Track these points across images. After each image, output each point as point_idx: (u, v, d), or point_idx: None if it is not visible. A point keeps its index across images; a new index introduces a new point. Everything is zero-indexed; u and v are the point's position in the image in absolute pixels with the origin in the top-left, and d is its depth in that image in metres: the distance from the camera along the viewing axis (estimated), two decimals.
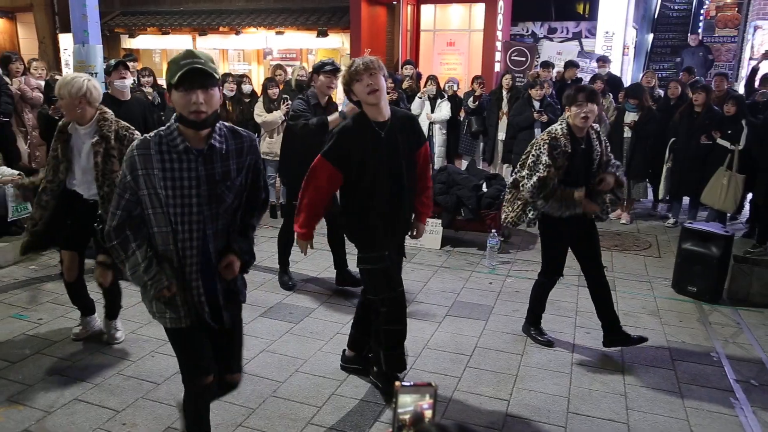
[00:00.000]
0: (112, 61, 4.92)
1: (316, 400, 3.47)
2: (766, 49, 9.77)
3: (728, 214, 6.97)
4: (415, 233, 3.69)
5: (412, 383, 1.26)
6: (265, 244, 6.21)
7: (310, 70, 5.47)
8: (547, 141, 3.80)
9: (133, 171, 2.29)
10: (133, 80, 7.76)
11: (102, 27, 6.52)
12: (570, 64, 9.05)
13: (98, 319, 4.21)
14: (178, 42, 14.14)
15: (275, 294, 4.96)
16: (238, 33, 13.20)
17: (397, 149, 3.26)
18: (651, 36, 15.11)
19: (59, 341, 4.09)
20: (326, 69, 4.67)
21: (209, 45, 14.19)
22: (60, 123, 3.73)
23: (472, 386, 3.65)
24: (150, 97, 7.21)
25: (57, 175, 3.69)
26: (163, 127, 2.34)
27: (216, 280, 2.49)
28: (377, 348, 3.50)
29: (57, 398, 3.41)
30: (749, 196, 6.99)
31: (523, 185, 3.91)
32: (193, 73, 2.21)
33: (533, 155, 3.87)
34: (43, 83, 6.79)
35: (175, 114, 2.32)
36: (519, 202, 4.01)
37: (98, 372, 3.70)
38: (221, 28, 13.34)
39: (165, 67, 2.35)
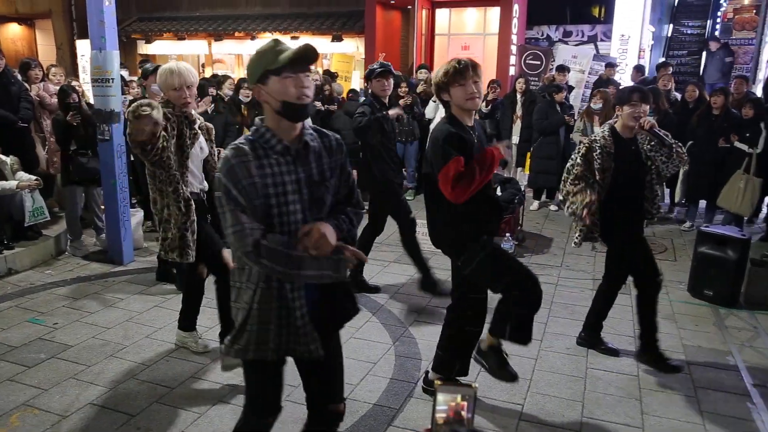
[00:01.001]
0: (149, 66, 5.02)
1: None
2: None
3: (745, 218, 6.89)
4: None
5: (450, 383, 1.27)
6: None
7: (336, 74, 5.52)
8: (586, 144, 3.80)
9: (237, 183, 2.01)
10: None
11: (119, 33, 6.59)
12: (560, 68, 8.98)
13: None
14: (194, 47, 14.31)
15: None
16: (253, 38, 13.31)
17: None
18: (670, 26, 14.96)
19: (74, 345, 4.13)
20: (377, 72, 4.80)
21: (224, 50, 14.33)
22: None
23: (486, 391, 3.63)
24: None
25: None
26: (248, 133, 2.15)
27: (318, 298, 2.21)
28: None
29: (72, 402, 3.45)
30: (766, 199, 6.90)
31: (564, 192, 3.90)
32: (307, 52, 2.04)
33: (571, 160, 3.88)
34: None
35: (258, 118, 2.16)
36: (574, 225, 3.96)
37: (113, 376, 3.73)
38: (237, 34, 13.46)
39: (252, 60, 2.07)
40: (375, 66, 4.88)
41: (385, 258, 6.07)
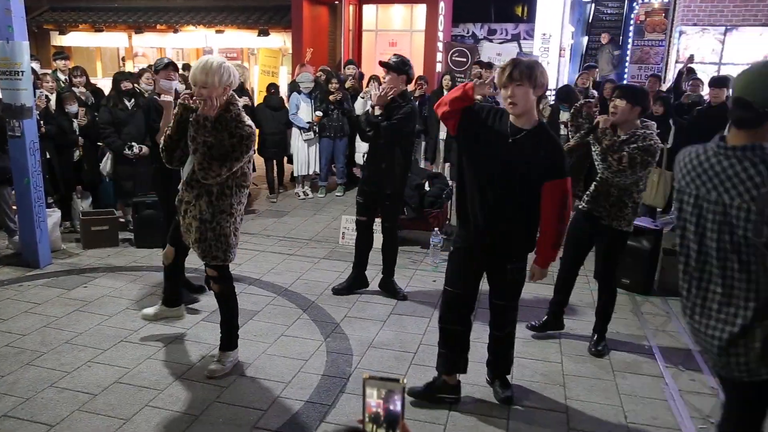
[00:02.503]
0: (165, 59, 4.90)
1: (261, 403, 3.44)
2: (690, 53, 10.23)
3: (658, 209, 7.28)
4: None
5: (379, 376, 1.27)
6: None
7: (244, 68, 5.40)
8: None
9: None
10: (65, 79, 7.49)
11: (29, 23, 6.25)
12: (484, 64, 9.16)
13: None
14: (113, 40, 13.73)
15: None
16: (176, 31, 12.91)
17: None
18: (585, 39, 15.63)
19: None
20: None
21: (146, 43, 13.83)
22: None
23: (417, 383, 3.67)
24: (83, 98, 6.97)
25: None
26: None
27: None
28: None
29: None
30: None
31: None
32: None
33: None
34: None
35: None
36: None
37: (29, 385, 3.54)
38: (158, 26, 13.02)
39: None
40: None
41: (316, 255, 6.05)
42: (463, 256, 3.36)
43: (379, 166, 4.75)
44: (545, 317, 4.47)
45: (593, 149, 3.94)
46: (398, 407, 1.27)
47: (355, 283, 5.08)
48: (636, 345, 4.32)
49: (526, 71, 2.97)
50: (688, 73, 8.51)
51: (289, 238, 6.58)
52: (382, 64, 4.75)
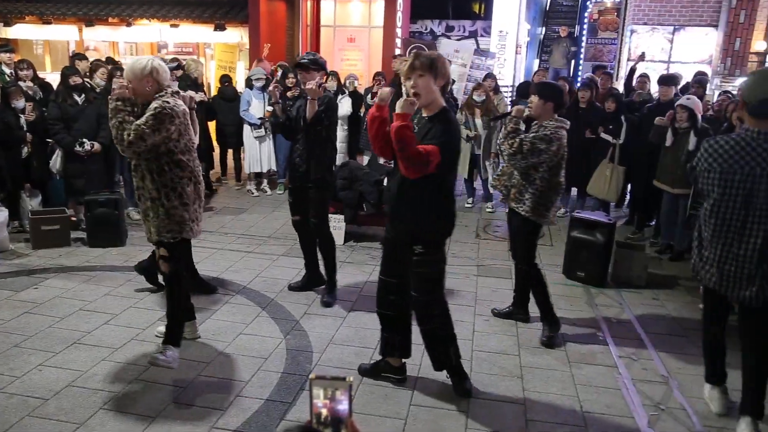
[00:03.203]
0: (168, 58, 4.86)
1: (220, 403, 3.40)
2: (641, 51, 10.50)
3: (612, 204, 7.47)
4: None
5: (326, 376, 1.27)
6: None
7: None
8: None
9: None
10: (10, 73, 7.23)
11: None
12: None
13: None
14: (62, 33, 13.29)
15: None
16: (129, 25, 12.59)
17: None
18: (543, 29, 15.89)
19: None
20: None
21: (97, 37, 13.45)
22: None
23: (379, 379, 3.70)
24: (31, 92, 6.74)
25: None
26: None
27: None
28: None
29: None
30: (629, 186, 7.52)
31: None
32: None
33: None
34: None
35: None
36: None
37: None
38: (110, 19, 12.67)
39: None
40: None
41: (275, 252, 6.01)
42: (387, 245, 3.56)
43: (303, 161, 4.69)
44: (510, 305, 4.66)
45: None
46: (346, 406, 1.27)
47: (310, 283, 5.05)
48: (591, 336, 4.43)
49: (426, 62, 3.14)
50: (631, 74, 8.75)
51: (247, 235, 6.52)
52: (297, 65, 4.77)
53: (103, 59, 9.01)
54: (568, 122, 4.17)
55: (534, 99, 4.12)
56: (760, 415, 3.22)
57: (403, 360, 3.70)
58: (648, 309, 4.96)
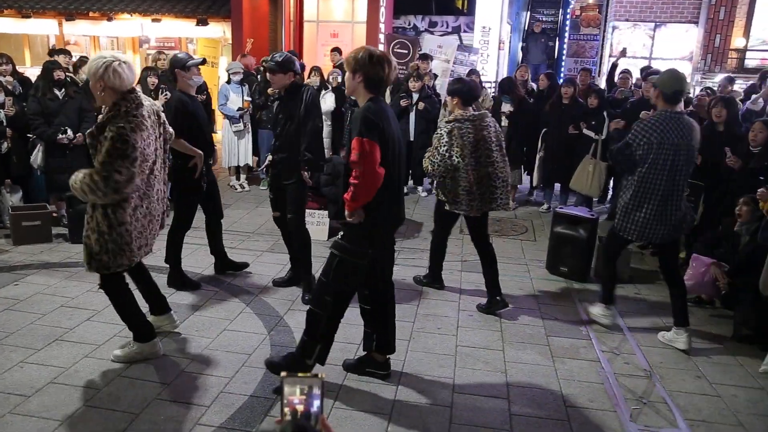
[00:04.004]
0: (184, 53, 4.96)
1: (204, 399, 3.39)
2: (623, 47, 10.60)
3: (594, 199, 7.53)
4: None
5: (297, 374, 1.27)
6: None
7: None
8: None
9: None
10: None
11: None
12: (423, 57, 9.30)
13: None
14: (42, 27, 13.09)
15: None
16: (110, 19, 12.43)
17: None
18: (527, 14, 15.94)
19: None
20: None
21: (78, 31, 13.26)
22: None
23: (363, 375, 3.71)
24: (10, 87, 6.64)
25: None
26: None
27: None
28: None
29: None
30: (612, 181, 7.59)
31: None
32: None
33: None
34: None
35: None
36: None
37: None
38: (91, 13, 12.50)
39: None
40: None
41: (259, 248, 5.98)
42: None
43: (281, 157, 4.67)
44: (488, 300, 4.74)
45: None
46: (317, 404, 1.27)
47: (295, 278, 5.05)
48: (574, 331, 4.47)
49: (349, 59, 3.30)
50: (613, 70, 8.84)
51: (231, 231, 6.48)
52: (266, 69, 4.85)
53: (84, 55, 8.89)
54: (477, 114, 4.52)
55: (449, 99, 4.67)
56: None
57: (388, 356, 3.72)
58: (630, 303, 5.02)
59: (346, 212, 3.30)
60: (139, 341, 3.75)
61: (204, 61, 4.92)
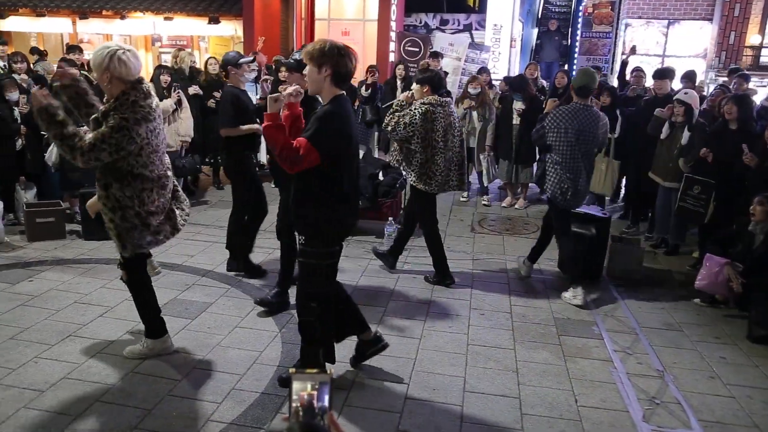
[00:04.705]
0: (234, 53, 5.04)
1: (216, 396, 3.41)
2: (633, 45, 10.51)
3: (607, 198, 7.49)
4: None
5: (306, 370, 1.27)
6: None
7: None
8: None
9: None
10: (4, 65, 7.18)
11: None
12: (433, 54, 9.32)
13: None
14: (56, 25, 13.21)
15: (170, 290, 4.79)
16: (123, 17, 12.52)
17: None
18: (535, 30, 15.90)
19: None
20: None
21: (91, 30, 13.36)
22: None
23: (373, 372, 3.71)
24: (25, 85, 6.70)
25: None
26: None
27: None
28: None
29: None
30: (624, 180, 7.54)
31: None
32: None
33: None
34: None
35: None
36: None
37: None
38: (104, 12, 12.59)
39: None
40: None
41: (270, 245, 5.99)
42: None
43: None
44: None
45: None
46: (326, 400, 1.27)
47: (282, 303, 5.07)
48: (586, 330, 4.44)
49: (312, 52, 3.11)
50: (623, 67, 8.78)
51: None
52: (283, 66, 4.99)
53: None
54: (445, 99, 4.95)
55: (415, 85, 5.04)
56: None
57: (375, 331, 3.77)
58: (643, 303, 4.98)
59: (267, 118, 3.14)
60: (151, 337, 3.78)
61: (254, 60, 5.13)
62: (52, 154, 6.23)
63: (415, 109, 4.86)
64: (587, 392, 3.62)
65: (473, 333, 4.32)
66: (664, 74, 6.83)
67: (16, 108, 6.14)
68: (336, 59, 3.09)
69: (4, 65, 7.18)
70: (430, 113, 4.82)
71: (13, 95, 6.09)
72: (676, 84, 7.29)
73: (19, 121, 6.15)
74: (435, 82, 4.96)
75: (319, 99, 3.51)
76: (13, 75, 6.69)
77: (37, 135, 6.32)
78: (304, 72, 3.24)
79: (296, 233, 3.38)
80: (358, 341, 3.74)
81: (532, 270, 5.46)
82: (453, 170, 5.03)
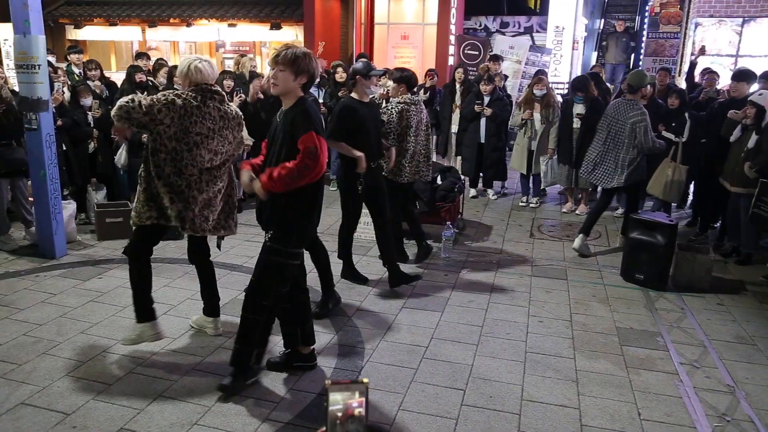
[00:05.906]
0: (363, 63, 5.06)
1: (273, 396, 3.46)
2: (702, 45, 10.10)
3: (674, 204, 7.21)
4: None
5: (342, 381, 1.27)
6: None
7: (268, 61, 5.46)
8: None
9: None
10: (79, 72, 7.54)
11: (45, 17, 6.29)
12: (493, 58, 9.21)
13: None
14: (127, 34, 13.80)
15: (230, 290, 4.89)
16: (189, 25, 12.96)
17: None
18: (601, 21, 15.50)
19: (3, 344, 3.94)
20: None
21: (159, 37, 13.89)
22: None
23: (428, 377, 3.69)
24: (98, 91, 7.01)
25: None
26: None
27: None
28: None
29: (1, 403, 3.29)
30: (692, 186, 7.25)
31: None
32: None
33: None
34: None
35: None
36: None
37: (45, 374, 3.59)
38: (171, 20, 13.07)
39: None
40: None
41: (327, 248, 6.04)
42: None
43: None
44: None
45: None
46: (362, 409, 1.26)
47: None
48: (650, 341, 4.29)
49: (289, 58, 3.21)
50: (692, 69, 8.45)
51: None
52: (386, 75, 5.25)
53: (161, 58, 9.28)
54: (416, 98, 5.39)
55: (390, 83, 5.42)
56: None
57: (312, 347, 3.74)
58: (712, 314, 4.77)
59: (261, 187, 3.23)
60: (138, 322, 3.86)
61: (385, 73, 5.33)
62: (121, 156, 6.50)
63: (391, 108, 5.25)
64: (651, 405, 3.49)
65: (531, 340, 4.23)
66: (743, 76, 6.46)
67: (89, 113, 6.43)
68: (310, 67, 3.28)
69: (80, 72, 7.54)
70: (405, 111, 5.23)
71: (87, 101, 6.39)
72: (754, 87, 6.94)
73: (92, 125, 6.45)
74: (412, 81, 5.39)
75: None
76: (87, 81, 7.01)
77: (108, 138, 6.61)
78: (296, 76, 3.27)
79: (265, 229, 3.37)
80: (291, 350, 3.72)
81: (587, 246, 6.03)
82: (422, 162, 5.41)
